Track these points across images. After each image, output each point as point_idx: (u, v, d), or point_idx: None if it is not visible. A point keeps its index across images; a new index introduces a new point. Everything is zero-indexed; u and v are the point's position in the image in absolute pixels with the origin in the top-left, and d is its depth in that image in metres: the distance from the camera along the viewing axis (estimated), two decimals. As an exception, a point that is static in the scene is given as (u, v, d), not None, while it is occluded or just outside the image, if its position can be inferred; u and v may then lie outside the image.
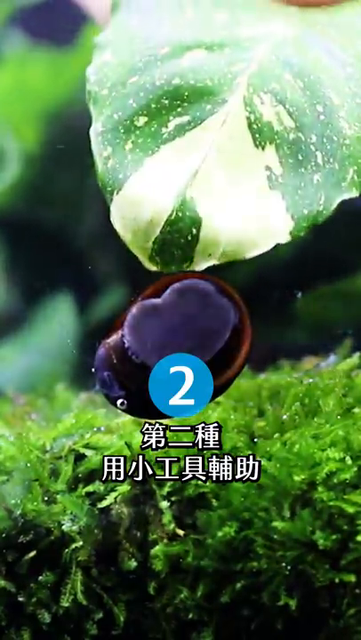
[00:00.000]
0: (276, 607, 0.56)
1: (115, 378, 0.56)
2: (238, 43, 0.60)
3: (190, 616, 0.57)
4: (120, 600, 0.58)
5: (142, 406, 0.56)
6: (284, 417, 0.59)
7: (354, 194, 0.57)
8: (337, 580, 0.55)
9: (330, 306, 0.76)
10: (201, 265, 0.56)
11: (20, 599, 0.58)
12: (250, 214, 0.56)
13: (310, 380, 0.61)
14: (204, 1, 0.63)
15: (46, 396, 0.71)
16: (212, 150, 0.57)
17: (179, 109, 0.58)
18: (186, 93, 0.59)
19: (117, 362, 0.56)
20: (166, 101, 0.59)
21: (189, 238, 0.56)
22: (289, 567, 0.55)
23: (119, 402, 0.56)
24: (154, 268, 0.57)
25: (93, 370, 0.57)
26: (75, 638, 0.58)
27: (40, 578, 0.57)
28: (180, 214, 0.56)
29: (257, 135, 0.57)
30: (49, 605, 0.58)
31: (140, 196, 0.57)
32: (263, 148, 0.57)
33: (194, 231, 0.56)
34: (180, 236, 0.56)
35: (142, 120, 0.58)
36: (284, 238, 0.56)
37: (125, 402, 0.56)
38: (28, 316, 0.90)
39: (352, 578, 0.55)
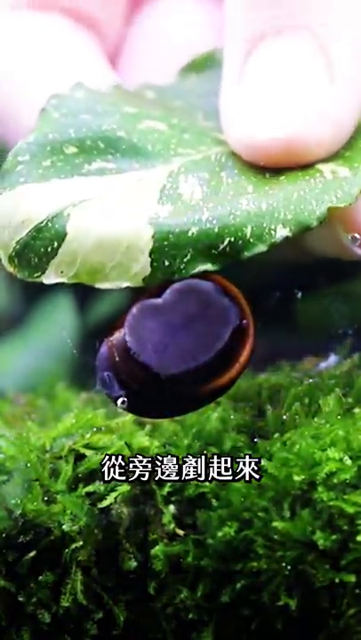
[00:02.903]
0: (276, 607, 0.56)
1: (115, 377, 0.56)
2: (201, 137, 0.63)
3: (190, 616, 0.57)
4: (120, 600, 0.58)
5: (143, 406, 0.56)
6: (284, 417, 0.59)
7: None
8: (337, 580, 0.55)
9: (330, 306, 0.76)
10: (50, 279, 0.57)
11: (20, 599, 0.58)
12: (115, 249, 0.56)
13: (310, 380, 0.61)
14: (197, 112, 0.65)
15: (46, 395, 0.71)
16: (112, 193, 0.58)
17: (109, 156, 0.60)
18: (124, 146, 0.61)
19: (119, 360, 0.56)
20: (102, 145, 0.61)
21: (49, 250, 0.57)
22: (289, 567, 0.55)
23: (120, 401, 0.56)
24: (11, 270, 0.58)
25: (94, 368, 0.57)
26: (75, 638, 0.58)
27: (40, 578, 0.57)
28: (50, 225, 0.57)
29: (164, 198, 0.58)
30: (49, 605, 0.58)
31: (25, 198, 0.58)
32: (162, 205, 0.58)
33: (55, 244, 0.57)
34: (41, 244, 0.57)
35: (72, 149, 0.60)
36: (137, 282, 0.56)
37: (126, 401, 0.56)
38: (28, 316, 0.90)
39: (352, 578, 0.55)
